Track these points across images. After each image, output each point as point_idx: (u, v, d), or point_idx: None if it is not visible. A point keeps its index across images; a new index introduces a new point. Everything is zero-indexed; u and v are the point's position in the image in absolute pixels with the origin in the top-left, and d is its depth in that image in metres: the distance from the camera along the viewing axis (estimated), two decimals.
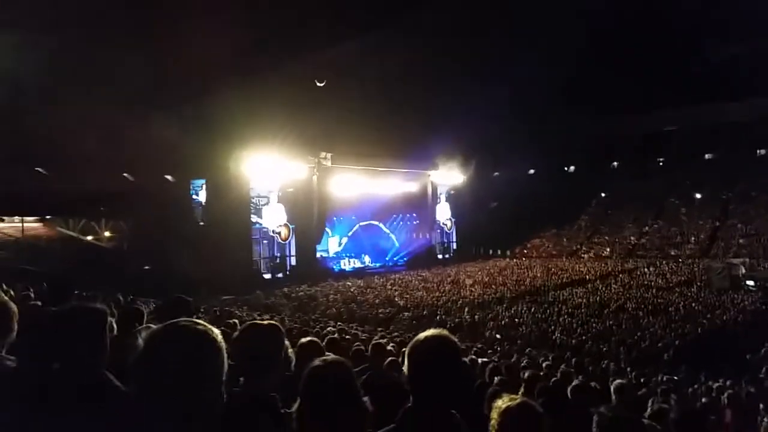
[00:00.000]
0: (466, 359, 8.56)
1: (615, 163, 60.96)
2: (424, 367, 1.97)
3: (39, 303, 6.01)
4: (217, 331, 1.37)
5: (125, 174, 35.97)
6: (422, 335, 2.02)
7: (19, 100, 28.20)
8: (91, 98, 29.99)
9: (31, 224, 38.13)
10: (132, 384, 1.26)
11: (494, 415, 2.09)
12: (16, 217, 37.47)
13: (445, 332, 2.04)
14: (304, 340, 3.65)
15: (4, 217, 37.41)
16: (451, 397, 1.95)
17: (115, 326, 3.44)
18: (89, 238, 40.51)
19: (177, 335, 1.33)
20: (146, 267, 31.80)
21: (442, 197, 53.22)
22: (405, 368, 2.03)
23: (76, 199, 33.68)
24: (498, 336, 19.35)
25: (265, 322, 2.90)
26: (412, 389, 1.99)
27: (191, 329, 1.34)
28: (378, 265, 46.10)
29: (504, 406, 2.09)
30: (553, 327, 19.98)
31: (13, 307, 2.46)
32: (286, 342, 3.19)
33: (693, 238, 45.59)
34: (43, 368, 2.11)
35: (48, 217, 39.14)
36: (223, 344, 1.37)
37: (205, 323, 1.38)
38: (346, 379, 1.78)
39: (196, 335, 1.34)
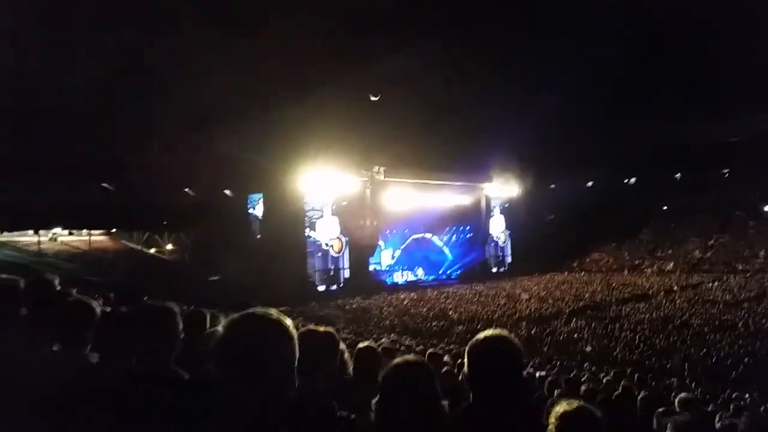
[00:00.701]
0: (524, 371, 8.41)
1: (678, 175, 58.72)
2: (484, 365, 1.99)
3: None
4: (289, 321, 1.46)
5: (186, 189, 37.24)
6: (482, 334, 2.04)
7: (86, 118, 29.63)
8: (153, 116, 31.31)
9: (98, 237, 39.87)
10: (212, 367, 1.34)
11: (552, 419, 2.08)
12: (84, 230, 39.25)
13: (505, 332, 2.06)
14: (361, 345, 3.70)
15: (73, 231, 39.24)
16: (510, 396, 1.95)
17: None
18: (152, 250, 42.09)
19: (255, 321, 1.41)
20: (214, 278, 32.57)
21: (496, 210, 52.64)
22: (465, 367, 2.05)
23: (140, 213, 35.14)
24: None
25: (321, 329, 2.96)
26: (472, 387, 2.01)
27: (266, 318, 1.43)
28: (431, 278, 45.84)
29: (562, 410, 2.08)
30: (614, 343, 19.41)
31: (97, 308, 2.62)
32: (342, 346, 3.25)
33: (762, 252, 43.52)
34: (122, 363, 2.26)
35: (113, 230, 40.88)
36: (295, 333, 1.45)
37: (279, 312, 1.46)
38: (427, 379, 1.78)
39: (271, 323, 1.42)
